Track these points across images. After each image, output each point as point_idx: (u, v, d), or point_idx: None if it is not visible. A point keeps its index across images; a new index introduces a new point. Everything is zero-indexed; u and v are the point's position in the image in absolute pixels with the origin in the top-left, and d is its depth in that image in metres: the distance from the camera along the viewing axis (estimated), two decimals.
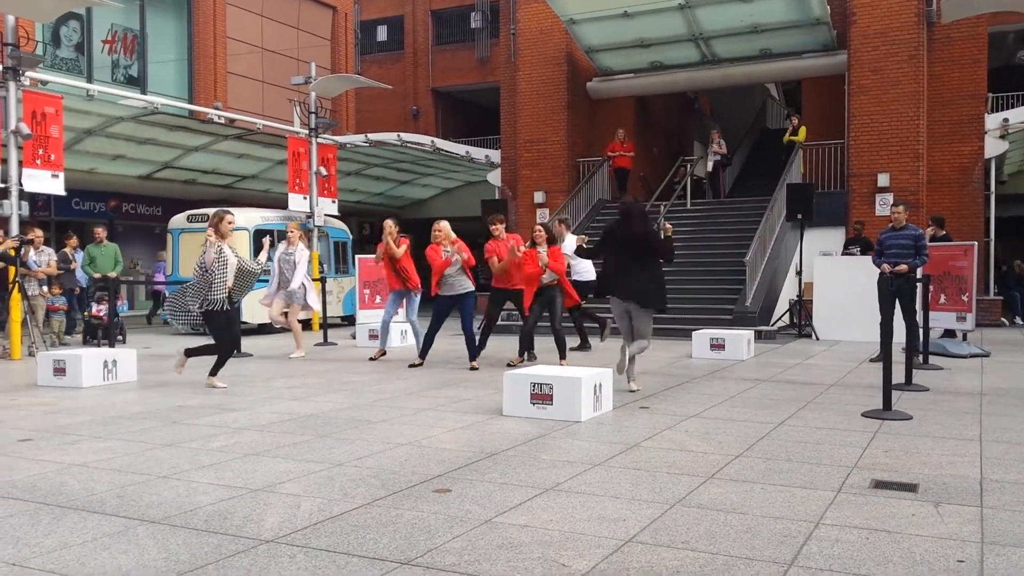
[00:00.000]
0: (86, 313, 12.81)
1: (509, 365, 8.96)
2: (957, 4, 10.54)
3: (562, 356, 9.07)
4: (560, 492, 4.06)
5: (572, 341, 10.70)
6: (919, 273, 9.39)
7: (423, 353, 9.44)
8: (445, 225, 9.22)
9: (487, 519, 3.61)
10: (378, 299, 13.85)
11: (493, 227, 9.49)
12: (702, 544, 3.29)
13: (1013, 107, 18.57)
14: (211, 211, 14.35)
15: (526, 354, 9.64)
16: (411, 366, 9.32)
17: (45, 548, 3.25)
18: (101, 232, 13.05)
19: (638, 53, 18.43)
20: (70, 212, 18.43)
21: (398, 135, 19.89)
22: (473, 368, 9.03)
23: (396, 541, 3.32)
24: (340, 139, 19.48)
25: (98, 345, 11.77)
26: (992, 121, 16.41)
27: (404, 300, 10.51)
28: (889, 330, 6.27)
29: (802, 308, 13.49)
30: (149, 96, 17.40)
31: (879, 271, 9.13)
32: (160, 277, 16.85)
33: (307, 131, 16.31)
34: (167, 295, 11.04)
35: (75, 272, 13.40)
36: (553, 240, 9.39)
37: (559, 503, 3.87)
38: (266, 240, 8.52)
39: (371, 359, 10.09)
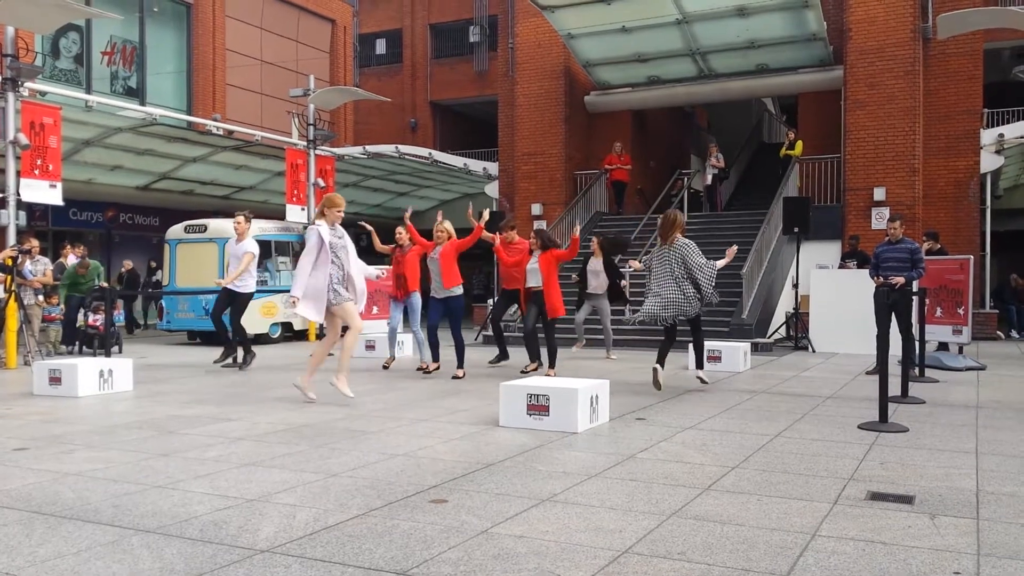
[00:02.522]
0: (82, 322, 12.79)
1: (522, 372, 9.35)
2: (953, 20, 10.61)
3: (551, 364, 9.26)
4: (556, 503, 4.05)
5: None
6: (915, 286, 9.42)
7: (435, 356, 9.67)
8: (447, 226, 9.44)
9: (483, 530, 3.60)
10: (375, 309, 13.85)
11: (505, 234, 10.09)
12: (698, 555, 3.29)
13: (1009, 123, 18.66)
14: (209, 222, 14.19)
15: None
16: (423, 371, 9.64)
17: (39, 558, 3.24)
18: (85, 261, 13.18)
19: (635, 67, 18.54)
20: (68, 222, 18.45)
21: (396, 147, 19.94)
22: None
23: (392, 551, 3.31)
24: (338, 151, 19.52)
25: (94, 354, 11.75)
26: (988, 136, 16.51)
27: (406, 309, 10.52)
28: (885, 343, 6.28)
29: (798, 321, 13.51)
30: (148, 107, 17.45)
31: (875, 284, 9.15)
32: None
33: (305, 143, 16.36)
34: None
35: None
36: (547, 246, 9.51)
37: (555, 514, 3.86)
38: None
39: (384, 367, 10.36)
